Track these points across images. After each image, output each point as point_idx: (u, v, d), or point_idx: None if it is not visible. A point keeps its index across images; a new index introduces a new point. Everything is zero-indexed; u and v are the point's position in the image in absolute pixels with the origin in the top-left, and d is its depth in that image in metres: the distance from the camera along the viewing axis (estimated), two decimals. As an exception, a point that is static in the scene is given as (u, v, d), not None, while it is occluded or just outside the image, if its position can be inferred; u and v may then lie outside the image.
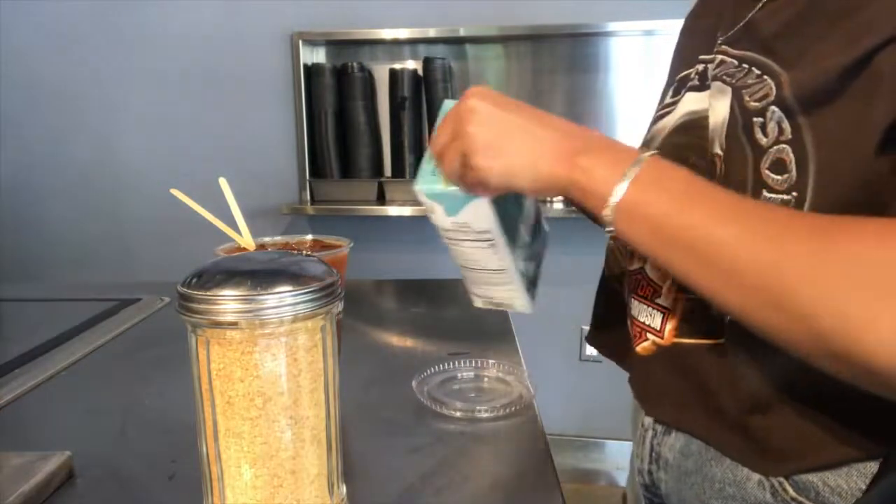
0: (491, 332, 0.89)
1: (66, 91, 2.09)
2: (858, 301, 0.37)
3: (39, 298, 1.13)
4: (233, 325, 0.39)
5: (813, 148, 0.45)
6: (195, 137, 2.07)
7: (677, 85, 0.62)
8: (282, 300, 0.39)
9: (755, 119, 0.49)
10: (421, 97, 1.95)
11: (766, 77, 0.49)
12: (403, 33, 1.90)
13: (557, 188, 0.48)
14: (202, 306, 0.39)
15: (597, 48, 1.91)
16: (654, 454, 0.61)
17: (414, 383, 0.70)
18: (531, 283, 0.62)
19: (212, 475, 0.43)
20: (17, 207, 2.17)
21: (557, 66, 1.94)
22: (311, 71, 1.94)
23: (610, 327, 0.69)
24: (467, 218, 0.54)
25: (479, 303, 0.64)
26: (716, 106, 0.54)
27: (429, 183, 0.53)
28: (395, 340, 0.94)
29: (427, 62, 1.89)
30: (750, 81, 0.50)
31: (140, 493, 0.53)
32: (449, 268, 0.65)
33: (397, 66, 1.94)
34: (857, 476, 0.48)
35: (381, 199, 1.97)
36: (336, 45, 2.02)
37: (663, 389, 0.59)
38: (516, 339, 0.87)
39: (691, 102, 0.58)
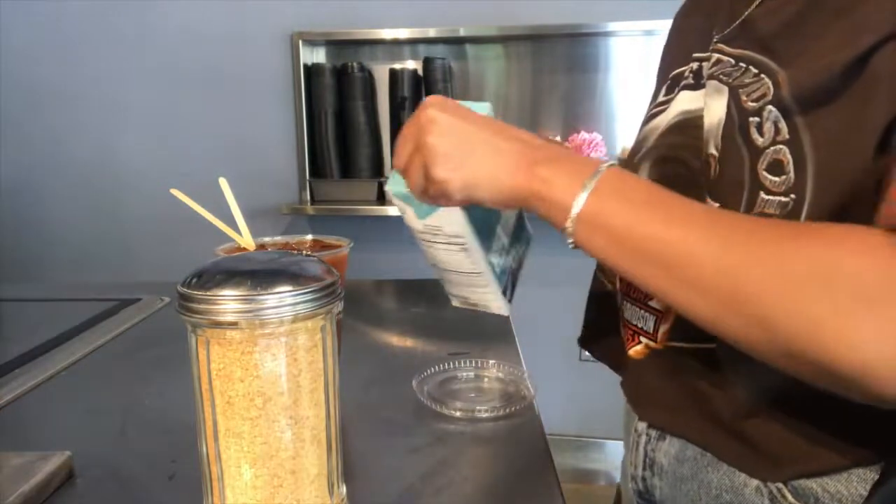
0: (491, 332, 0.89)
1: (66, 91, 2.09)
2: (819, 304, 0.37)
3: (39, 298, 1.13)
4: (233, 325, 0.39)
5: (811, 148, 0.45)
6: (195, 137, 2.07)
7: (671, 82, 0.61)
8: (282, 300, 0.39)
9: (751, 119, 0.48)
10: (421, 97, 1.94)
11: (763, 76, 0.48)
12: (403, 33, 1.90)
13: (518, 199, 0.47)
14: (202, 306, 0.39)
15: (596, 48, 1.91)
16: (648, 460, 0.60)
17: (414, 383, 0.70)
18: (510, 286, 0.61)
19: (212, 475, 0.43)
20: (17, 208, 2.17)
21: (557, 66, 1.94)
22: (311, 71, 1.95)
23: (602, 331, 0.69)
24: (438, 222, 0.53)
25: (456, 302, 0.63)
26: (711, 105, 0.53)
27: (398, 185, 0.52)
28: (395, 340, 0.94)
29: (427, 62, 1.90)
30: (747, 80, 0.49)
31: (140, 493, 0.53)
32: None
33: (397, 66, 1.94)
34: (858, 482, 0.47)
35: (381, 199, 1.97)
36: (336, 45, 2.02)
37: (656, 393, 0.58)
38: (516, 339, 0.87)
39: (686, 101, 0.57)
